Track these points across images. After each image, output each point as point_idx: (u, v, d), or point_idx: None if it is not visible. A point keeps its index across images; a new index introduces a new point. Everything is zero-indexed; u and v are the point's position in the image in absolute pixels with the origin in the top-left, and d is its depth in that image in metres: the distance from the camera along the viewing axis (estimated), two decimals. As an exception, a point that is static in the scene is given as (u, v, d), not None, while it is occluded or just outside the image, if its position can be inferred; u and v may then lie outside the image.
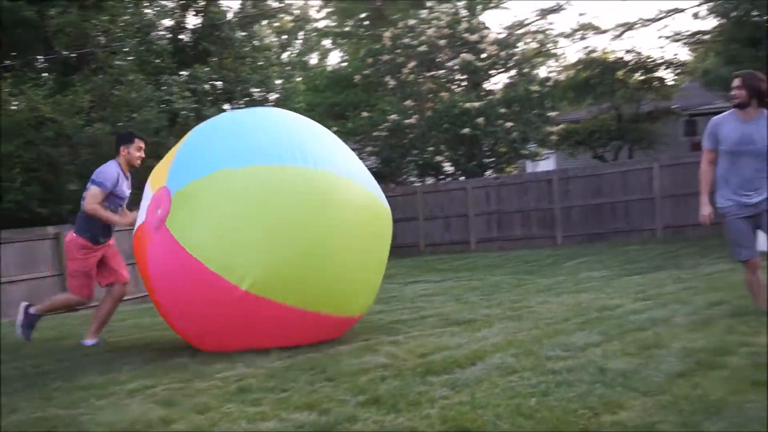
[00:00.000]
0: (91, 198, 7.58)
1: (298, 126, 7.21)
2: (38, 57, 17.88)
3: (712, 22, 25.89)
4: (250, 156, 6.56)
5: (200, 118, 18.37)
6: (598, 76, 27.89)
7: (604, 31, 32.83)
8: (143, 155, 7.96)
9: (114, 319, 8.86)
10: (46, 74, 17.40)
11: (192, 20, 21.28)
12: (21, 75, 16.55)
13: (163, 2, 20.49)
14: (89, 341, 7.86)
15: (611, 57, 28.83)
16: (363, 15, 31.40)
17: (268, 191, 6.41)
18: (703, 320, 6.80)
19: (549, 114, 24.24)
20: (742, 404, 4.12)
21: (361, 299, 7.08)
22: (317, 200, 6.45)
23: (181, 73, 19.38)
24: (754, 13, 19.37)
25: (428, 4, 25.03)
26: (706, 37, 27.05)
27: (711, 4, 22.93)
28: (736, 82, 6.85)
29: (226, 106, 22.56)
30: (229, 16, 21.30)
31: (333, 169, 6.63)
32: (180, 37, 20.89)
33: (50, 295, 9.06)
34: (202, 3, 20.91)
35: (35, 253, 13.35)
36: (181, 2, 20.89)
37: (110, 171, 7.70)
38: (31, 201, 15.35)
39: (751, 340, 5.79)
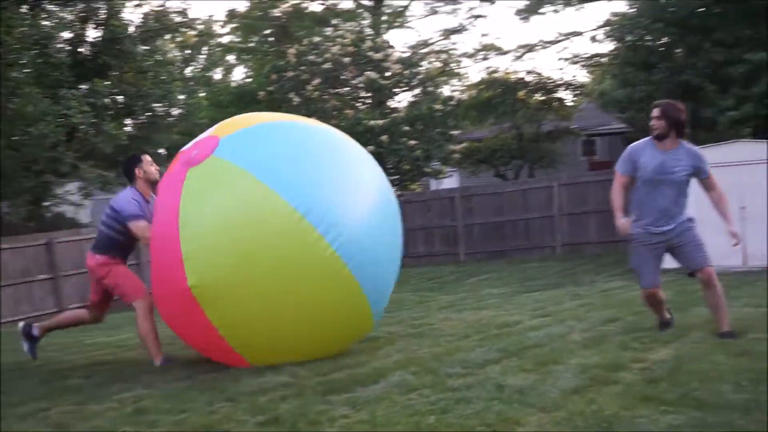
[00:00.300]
0: (142, 231, 7.19)
1: (353, 180, 6.81)
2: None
3: (608, 46, 26.65)
4: (279, 181, 6.29)
5: (99, 133, 17.99)
6: (500, 96, 28.42)
7: (506, 52, 33.37)
8: (157, 166, 7.75)
9: (7, 340, 8.58)
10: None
11: (92, 33, 20.83)
12: None
13: (62, 14, 19.98)
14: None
15: (512, 77, 29.41)
16: (268, 31, 31.27)
17: (265, 223, 6.20)
18: (598, 336, 6.95)
19: (452, 132, 24.53)
20: (634, 419, 4.23)
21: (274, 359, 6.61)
22: (298, 261, 6.19)
23: (80, 86, 18.93)
24: (648, 38, 20.05)
25: (333, 21, 25.10)
26: (603, 60, 27.84)
27: (607, 28, 23.63)
28: (656, 112, 6.75)
29: (127, 121, 22.15)
30: (131, 29, 20.92)
31: (335, 245, 6.21)
32: (79, 50, 20.42)
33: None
34: (103, 16, 20.49)
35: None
36: (80, 14, 20.42)
37: (128, 201, 7.38)
38: None
39: (643, 356, 5.96)
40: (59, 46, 19.71)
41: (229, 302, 6.17)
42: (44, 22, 18.99)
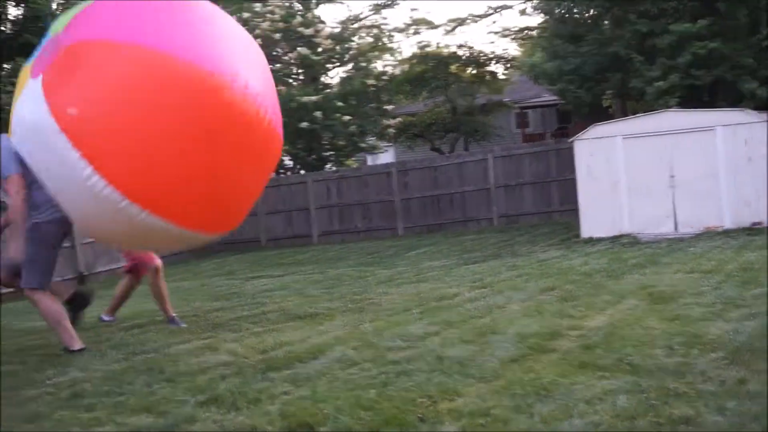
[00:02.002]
0: None
1: None
2: None
3: (537, 19, 26.87)
4: None
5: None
6: (433, 70, 28.46)
7: (437, 27, 33.36)
8: None
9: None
10: None
11: (13, 11, 20.20)
12: None
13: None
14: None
15: (445, 51, 29.46)
16: (197, 8, 30.78)
17: None
18: (536, 306, 7.05)
19: (386, 107, 24.52)
20: (571, 385, 4.30)
21: None
22: None
23: (3, 66, 18.40)
24: (575, 10, 20.24)
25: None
26: (533, 32, 28.05)
27: (536, 1, 23.80)
28: None
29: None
30: (54, 6, 20.32)
31: None
32: (1, 28, 19.81)
33: None
34: (24, -7, 19.88)
35: None
36: (0, -8, 19.80)
37: None
38: None
39: (579, 323, 6.06)
40: (-21, 25, 19.13)
41: None
42: (-38, 1, 18.41)
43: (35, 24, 19.26)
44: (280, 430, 3.98)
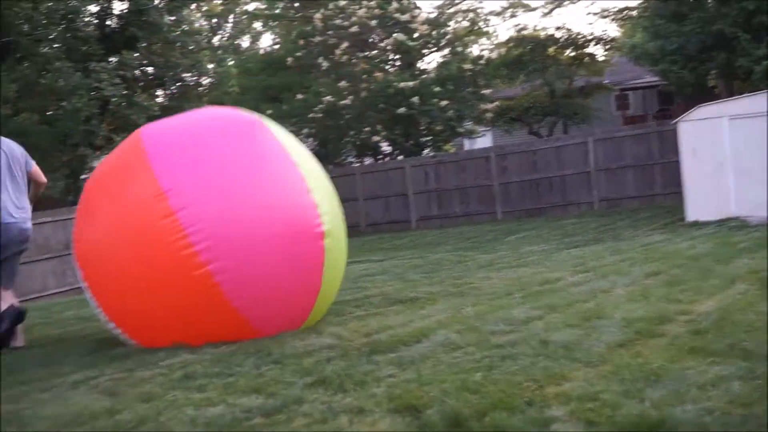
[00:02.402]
0: None
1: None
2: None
3: (638, -1, 26.22)
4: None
5: (132, 104, 18.07)
6: (530, 53, 28.13)
7: (534, 9, 32.98)
8: None
9: (53, 310, 8.69)
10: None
11: (118, 5, 20.84)
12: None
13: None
14: None
15: (542, 34, 29.08)
16: (293, -4, 31.03)
17: None
18: (641, 290, 6.91)
19: (483, 91, 24.37)
20: (682, 371, 4.21)
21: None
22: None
23: (109, 59, 19.00)
24: (679, -12, 19.69)
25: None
26: (633, 12, 27.43)
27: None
28: None
29: (158, 92, 22.20)
30: (156, 0, 20.89)
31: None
32: (107, 23, 20.45)
33: None
34: (128, -13, 20.50)
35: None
36: (105, -13, 20.45)
37: None
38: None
39: (688, 308, 5.91)
40: (87, 19, 19.76)
41: None
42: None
43: (139, 18, 19.84)
44: (387, 412, 4.01)
